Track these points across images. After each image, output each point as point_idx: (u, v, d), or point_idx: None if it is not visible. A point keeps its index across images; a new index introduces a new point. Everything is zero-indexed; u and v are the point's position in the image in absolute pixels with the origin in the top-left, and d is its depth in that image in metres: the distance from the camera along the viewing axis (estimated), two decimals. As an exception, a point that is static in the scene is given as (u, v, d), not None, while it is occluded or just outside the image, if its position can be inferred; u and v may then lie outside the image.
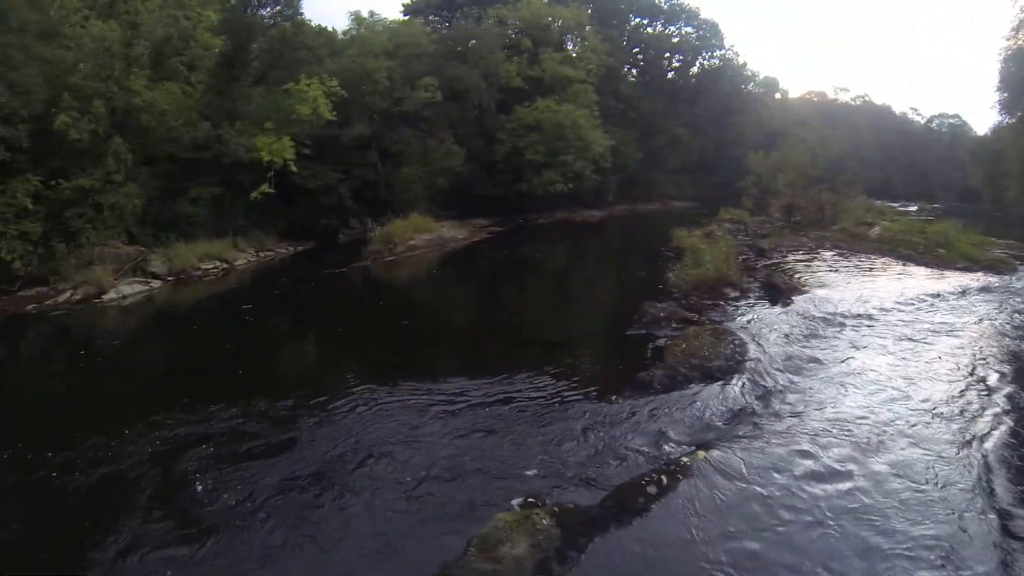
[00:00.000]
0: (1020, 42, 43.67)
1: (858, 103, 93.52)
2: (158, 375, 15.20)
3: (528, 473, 9.07)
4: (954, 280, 21.01)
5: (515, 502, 8.16)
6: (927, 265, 23.75)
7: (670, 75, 70.28)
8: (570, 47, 58.00)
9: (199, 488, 8.87)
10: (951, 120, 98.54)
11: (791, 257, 25.39)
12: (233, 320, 19.73)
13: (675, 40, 69.49)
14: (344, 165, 36.95)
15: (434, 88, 40.15)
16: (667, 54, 69.43)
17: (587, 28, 57.65)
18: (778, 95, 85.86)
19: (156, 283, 23.70)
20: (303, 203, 34.74)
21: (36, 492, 9.00)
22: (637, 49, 67.41)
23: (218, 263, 27.08)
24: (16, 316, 19.61)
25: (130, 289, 22.44)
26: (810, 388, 11.96)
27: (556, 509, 7.82)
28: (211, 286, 24.66)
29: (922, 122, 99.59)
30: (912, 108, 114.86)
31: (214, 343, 17.43)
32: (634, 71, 67.35)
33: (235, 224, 30.06)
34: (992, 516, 7.96)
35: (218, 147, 28.16)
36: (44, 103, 22.74)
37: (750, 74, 79.13)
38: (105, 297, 21.31)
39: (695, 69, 72.10)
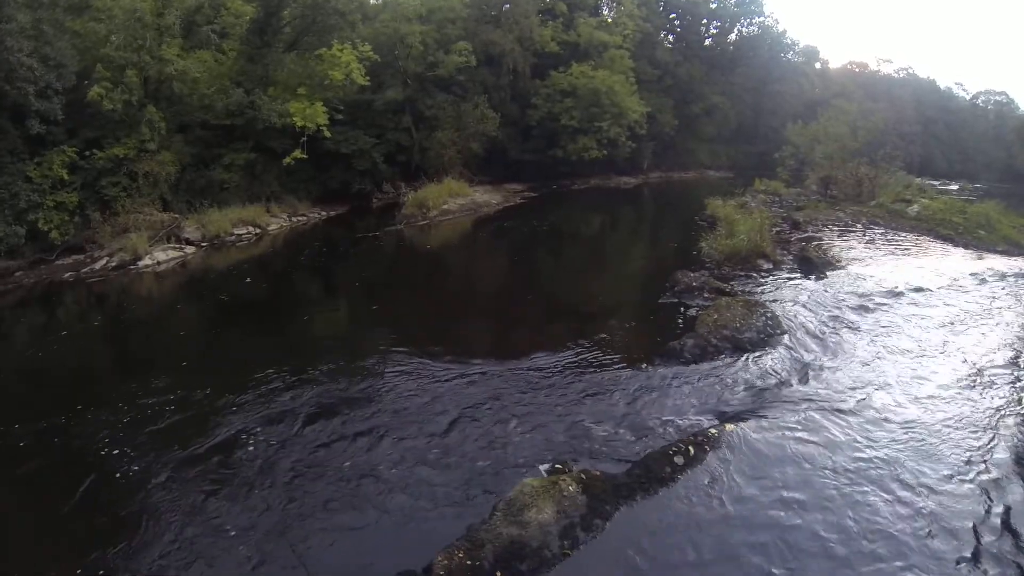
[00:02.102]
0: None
1: (901, 75, 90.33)
2: (187, 340, 15.53)
3: (556, 439, 9.14)
4: (994, 263, 20.31)
5: (542, 468, 8.26)
6: (966, 246, 23.00)
7: (707, 42, 68.73)
8: (605, 12, 57.30)
9: (226, 449, 9.14)
10: (997, 97, 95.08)
11: (826, 231, 24.87)
12: (263, 285, 20.06)
13: (713, 6, 67.74)
14: (378, 130, 36.92)
15: (468, 52, 39.74)
16: (704, 20, 67.77)
17: (622, -8, 56.64)
18: (818, 65, 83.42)
19: (190, 249, 24.10)
20: (336, 168, 34.88)
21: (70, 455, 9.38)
22: (674, 15, 65.78)
23: (251, 228, 27.41)
24: (55, 283, 20.17)
25: (164, 255, 22.87)
26: (841, 365, 11.80)
27: (583, 476, 7.86)
28: (244, 251, 24.97)
29: (967, 98, 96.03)
30: (957, 83, 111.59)
31: (243, 308, 17.73)
32: (670, 37, 65.81)
33: (268, 190, 30.39)
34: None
35: (251, 113, 28.29)
36: (77, 75, 23.13)
37: (790, 42, 76.90)
38: (140, 263, 21.74)
39: (733, 36, 70.40)
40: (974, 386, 11.08)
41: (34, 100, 21.01)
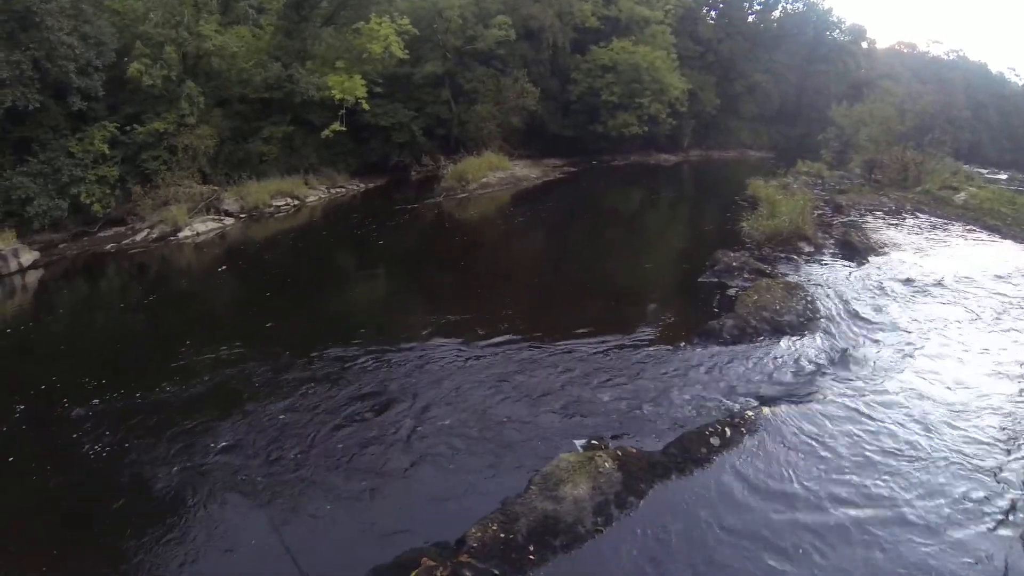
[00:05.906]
0: None
1: (951, 58, 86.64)
2: (226, 310, 15.94)
3: (593, 415, 9.13)
4: (1044, 256, 19.68)
5: (579, 443, 8.22)
6: (1015, 239, 21.91)
7: (751, 18, 66.90)
8: (646, -14, 56.17)
9: (264, 424, 9.24)
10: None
11: (869, 216, 24.33)
12: (300, 257, 20.31)
13: (756, -20, 66.40)
14: (416, 103, 36.84)
15: (508, 26, 39.26)
16: (748, -4, 66.47)
17: (663, -34, 55.43)
18: (865, 44, 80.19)
19: (229, 220, 24.51)
20: (375, 141, 34.98)
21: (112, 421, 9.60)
22: (716, -11, 64.68)
23: (289, 200, 27.74)
24: (97, 255, 20.68)
25: (203, 227, 23.31)
26: (880, 353, 11.53)
27: (619, 453, 7.84)
28: (282, 222, 25.26)
29: (1020, 84, 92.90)
30: (1010, 68, 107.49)
31: (281, 279, 17.92)
32: (712, 13, 64.13)
33: (307, 162, 30.70)
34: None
35: (289, 87, 28.45)
36: (117, 52, 23.49)
37: (835, 20, 74.18)
38: (180, 235, 22.23)
39: (777, 13, 68.44)
40: (1019, 376, 10.79)
41: (75, 77, 21.39)
